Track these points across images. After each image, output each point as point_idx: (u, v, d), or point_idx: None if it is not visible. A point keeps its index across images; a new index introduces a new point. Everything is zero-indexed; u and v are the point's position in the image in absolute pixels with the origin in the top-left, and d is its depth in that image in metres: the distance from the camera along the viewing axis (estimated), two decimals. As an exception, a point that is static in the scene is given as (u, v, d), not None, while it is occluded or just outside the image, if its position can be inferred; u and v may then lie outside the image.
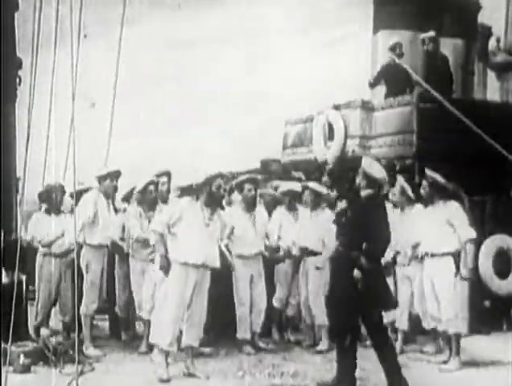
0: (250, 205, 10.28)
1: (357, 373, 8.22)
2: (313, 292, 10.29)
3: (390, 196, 9.95)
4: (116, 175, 10.34)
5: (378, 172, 8.28)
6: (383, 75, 13.32)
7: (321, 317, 10.03)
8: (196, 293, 8.89)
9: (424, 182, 9.70)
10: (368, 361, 8.56)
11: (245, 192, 10.21)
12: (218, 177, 8.98)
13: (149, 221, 9.98)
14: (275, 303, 10.69)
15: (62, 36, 9.41)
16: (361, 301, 8.01)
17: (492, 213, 11.83)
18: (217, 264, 9.05)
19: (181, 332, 9.00)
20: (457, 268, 9.66)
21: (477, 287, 11.15)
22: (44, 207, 10.62)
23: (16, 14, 10.04)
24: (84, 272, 10.12)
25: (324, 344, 10.18)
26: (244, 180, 10.28)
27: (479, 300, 11.22)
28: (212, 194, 8.93)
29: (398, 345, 9.92)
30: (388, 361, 8.09)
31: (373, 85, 13.40)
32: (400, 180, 10.12)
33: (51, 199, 10.57)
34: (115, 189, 10.31)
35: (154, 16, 13.55)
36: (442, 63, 13.12)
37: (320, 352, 10.08)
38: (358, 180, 8.28)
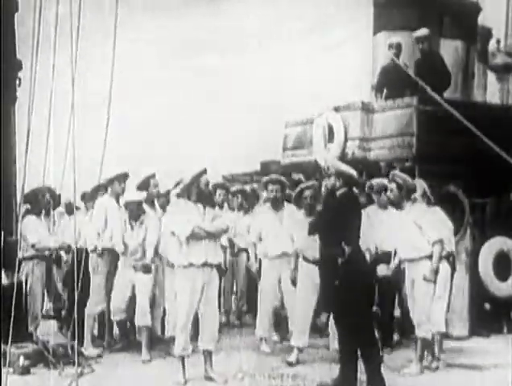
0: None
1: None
2: None
3: (388, 193, 9.85)
4: (124, 177, 10.51)
5: (350, 169, 8.37)
6: (383, 78, 13.31)
7: None
8: (204, 295, 8.90)
9: (392, 185, 9.56)
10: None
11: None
12: (203, 173, 9.03)
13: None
14: None
15: (62, 38, 9.40)
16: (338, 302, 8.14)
17: (492, 215, 11.83)
18: (220, 260, 9.10)
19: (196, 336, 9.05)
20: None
21: (477, 289, 11.16)
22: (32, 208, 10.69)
23: (16, 16, 10.04)
24: (91, 274, 10.28)
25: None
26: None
27: (479, 302, 11.23)
28: (201, 191, 8.98)
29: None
30: (372, 367, 8.09)
31: (377, 89, 13.37)
32: (397, 174, 9.96)
33: (39, 202, 10.65)
34: (123, 191, 10.44)
35: (154, 17, 13.56)
36: (437, 61, 13.11)
37: None
38: (331, 181, 8.34)
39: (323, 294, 8.82)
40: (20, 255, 10.50)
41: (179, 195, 9.53)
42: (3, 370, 8.67)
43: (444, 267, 9.54)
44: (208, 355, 9.02)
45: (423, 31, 12.93)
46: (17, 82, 9.97)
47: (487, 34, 15.57)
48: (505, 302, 11.53)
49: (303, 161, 13.63)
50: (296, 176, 12.29)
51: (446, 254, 9.57)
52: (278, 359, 9.90)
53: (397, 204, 9.50)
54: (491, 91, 15.16)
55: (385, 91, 13.21)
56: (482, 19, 14.98)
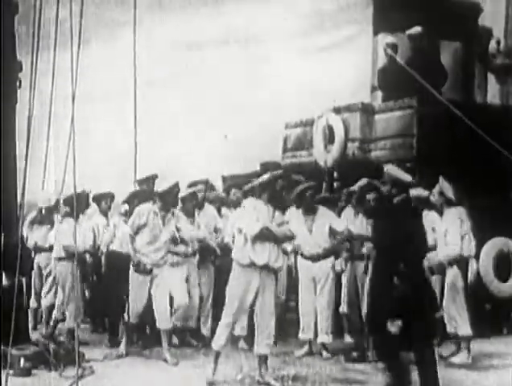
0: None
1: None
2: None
3: (431, 198, 9.93)
4: (153, 179, 10.65)
5: (405, 176, 8.30)
6: (380, 80, 13.33)
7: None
8: (260, 299, 8.85)
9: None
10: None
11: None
12: (280, 176, 9.16)
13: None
14: None
15: (62, 39, 9.40)
16: (400, 308, 7.89)
17: (492, 216, 11.82)
18: (280, 264, 9.07)
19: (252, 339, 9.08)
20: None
21: (478, 290, 11.15)
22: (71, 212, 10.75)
23: (16, 17, 10.03)
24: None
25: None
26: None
27: (479, 303, 11.23)
28: (275, 193, 8.96)
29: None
30: (427, 373, 7.94)
31: (381, 89, 13.37)
32: (440, 180, 10.04)
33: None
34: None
35: (153, 18, 13.55)
36: (431, 58, 13.10)
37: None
38: (386, 188, 8.22)
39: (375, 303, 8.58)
40: (54, 255, 10.97)
41: (247, 193, 9.61)
42: (4, 372, 8.66)
43: (454, 271, 9.94)
44: (263, 359, 8.98)
45: (415, 29, 12.94)
46: (17, 83, 9.95)
47: (487, 35, 15.53)
48: (505, 303, 11.53)
49: (303, 162, 13.64)
50: (296, 177, 12.26)
51: (457, 257, 9.93)
52: (279, 360, 9.92)
53: (437, 207, 9.67)
54: (491, 92, 15.12)
55: (382, 93, 13.25)
56: (482, 20, 14.95)
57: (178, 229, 10.16)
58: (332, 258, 10.48)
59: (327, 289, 10.35)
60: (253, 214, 8.80)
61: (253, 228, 8.69)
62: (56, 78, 9.52)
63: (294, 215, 10.29)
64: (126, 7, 9.67)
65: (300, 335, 10.43)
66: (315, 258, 10.36)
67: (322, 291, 10.34)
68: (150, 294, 10.05)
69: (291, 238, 9.28)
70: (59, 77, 9.46)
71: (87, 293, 11.57)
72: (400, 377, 8.03)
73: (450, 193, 9.97)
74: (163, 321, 9.97)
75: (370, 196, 9.91)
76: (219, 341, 8.85)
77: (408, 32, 13.02)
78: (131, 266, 10.06)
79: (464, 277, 9.99)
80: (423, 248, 8.23)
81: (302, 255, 10.50)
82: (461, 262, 9.93)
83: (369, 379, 9.10)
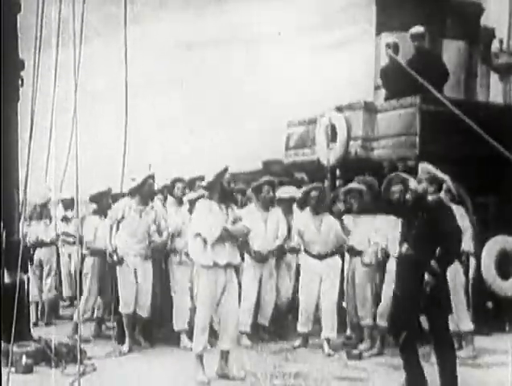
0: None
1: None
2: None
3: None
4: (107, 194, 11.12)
5: (441, 173, 8.32)
6: (382, 80, 13.34)
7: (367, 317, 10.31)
8: (225, 295, 8.96)
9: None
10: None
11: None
12: (226, 171, 9.16)
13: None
14: None
15: (64, 37, 9.43)
16: (429, 305, 7.94)
17: (494, 214, 11.83)
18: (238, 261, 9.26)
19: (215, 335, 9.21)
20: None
21: (480, 288, 11.14)
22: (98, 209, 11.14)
23: (18, 16, 10.05)
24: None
25: (367, 344, 10.28)
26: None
27: (481, 301, 11.21)
28: (224, 190, 9.11)
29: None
30: (448, 366, 8.00)
31: (384, 88, 13.37)
32: (447, 178, 10.01)
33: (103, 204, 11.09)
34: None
35: (155, 17, 13.58)
36: (432, 57, 13.11)
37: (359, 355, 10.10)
38: (423, 186, 8.21)
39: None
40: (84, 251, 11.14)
41: (200, 197, 9.74)
42: (6, 369, 8.68)
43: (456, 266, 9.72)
44: (225, 354, 9.09)
45: (418, 29, 12.96)
46: (19, 82, 9.97)
47: (490, 34, 15.54)
48: (507, 301, 11.51)
49: (306, 160, 13.66)
50: (299, 175, 12.29)
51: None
52: (281, 358, 9.94)
53: None
54: (494, 91, 15.14)
55: (384, 92, 13.25)
56: (485, 20, 14.96)
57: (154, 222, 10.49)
58: (337, 256, 10.58)
59: (333, 286, 10.44)
60: (210, 218, 8.94)
61: (213, 234, 8.87)
62: (58, 76, 9.55)
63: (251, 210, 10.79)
64: (130, 5, 9.67)
65: (299, 328, 10.59)
66: (322, 256, 10.43)
67: (328, 288, 10.42)
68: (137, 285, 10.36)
69: (246, 234, 9.46)
70: (61, 75, 9.48)
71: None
72: (418, 375, 8.07)
73: (454, 190, 9.95)
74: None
75: (396, 188, 9.88)
76: (198, 346, 8.92)
77: (410, 31, 13.03)
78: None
79: (465, 272, 10.03)
80: (456, 247, 8.27)
81: (307, 252, 10.60)
82: (462, 257, 9.96)
83: (369, 377, 9.10)
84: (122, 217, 10.33)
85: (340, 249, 10.63)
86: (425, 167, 8.36)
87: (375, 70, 14.19)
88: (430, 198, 8.18)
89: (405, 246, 8.14)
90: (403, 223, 8.45)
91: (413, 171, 11.56)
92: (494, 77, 15.33)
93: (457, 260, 9.80)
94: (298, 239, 10.84)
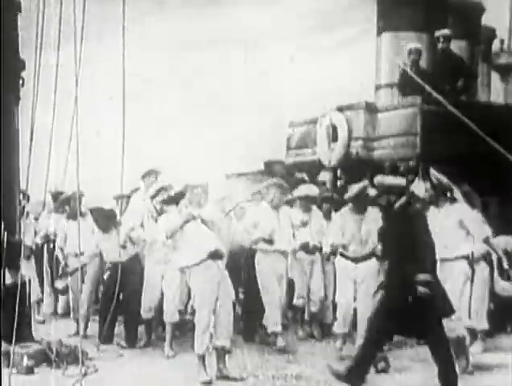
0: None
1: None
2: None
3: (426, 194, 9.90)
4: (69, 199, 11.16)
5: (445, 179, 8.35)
6: (399, 83, 13.32)
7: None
8: (221, 293, 8.99)
9: (427, 184, 9.68)
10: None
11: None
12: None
13: None
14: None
15: (65, 38, 9.41)
16: (420, 312, 7.91)
17: (495, 215, 11.79)
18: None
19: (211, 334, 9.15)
20: (472, 270, 9.89)
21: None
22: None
23: (19, 17, 10.05)
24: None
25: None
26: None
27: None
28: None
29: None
30: (447, 374, 7.99)
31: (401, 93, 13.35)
32: (433, 173, 9.98)
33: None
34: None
35: (157, 17, 13.56)
36: (457, 60, 13.11)
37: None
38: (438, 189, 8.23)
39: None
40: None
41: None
42: (7, 370, 8.68)
43: (482, 266, 10.04)
44: (222, 352, 9.06)
45: (444, 31, 12.95)
46: (20, 82, 9.97)
47: (491, 34, 15.56)
48: (509, 302, 11.49)
49: (307, 160, 13.66)
50: (300, 175, 12.29)
51: (484, 253, 10.01)
52: (283, 359, 9.91)
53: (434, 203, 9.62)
54: (495, 91, 15.15)
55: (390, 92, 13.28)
56: (486, 19, 14.98)
57: None
58: (374, 259, 10.23)
59: (368, 291, 10.06)
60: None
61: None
62: (59, 76, 9.52)
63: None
64: (130, 5, 9.65)
65: (336, 329, 10.33)
66: (359, 259, 10.19)
67: (364, 293, 10.09)
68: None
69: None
70: (62, 75, 9.46)
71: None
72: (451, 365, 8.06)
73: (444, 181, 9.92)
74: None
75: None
76: (201, 348, 8.91)
77: (436, 34, 13.02)
78: None
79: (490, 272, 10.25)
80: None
81: (343, 255, 10.30)
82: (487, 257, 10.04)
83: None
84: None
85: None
86: (435, 174, 8.38)
87: (376, 70, 14.19)
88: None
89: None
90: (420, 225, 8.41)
91: (414, 171, 11.64)
92: (495, 77, 15.33)
93: (483, 260, 9.86)
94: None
